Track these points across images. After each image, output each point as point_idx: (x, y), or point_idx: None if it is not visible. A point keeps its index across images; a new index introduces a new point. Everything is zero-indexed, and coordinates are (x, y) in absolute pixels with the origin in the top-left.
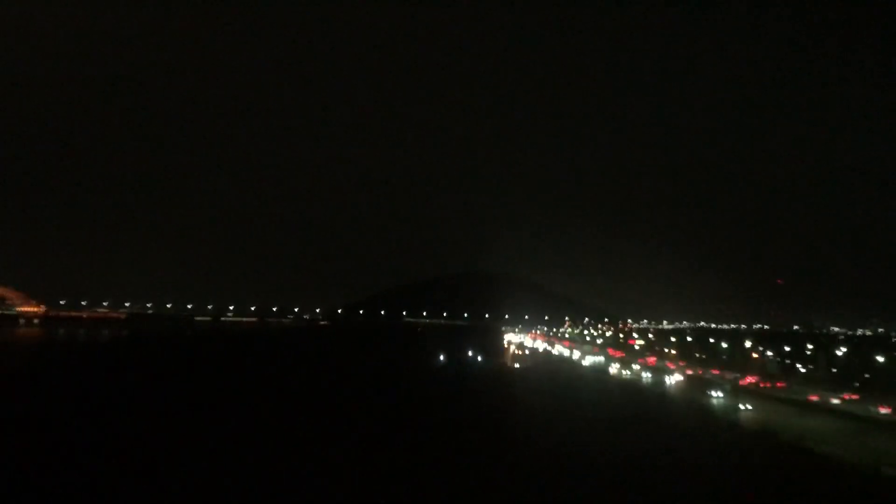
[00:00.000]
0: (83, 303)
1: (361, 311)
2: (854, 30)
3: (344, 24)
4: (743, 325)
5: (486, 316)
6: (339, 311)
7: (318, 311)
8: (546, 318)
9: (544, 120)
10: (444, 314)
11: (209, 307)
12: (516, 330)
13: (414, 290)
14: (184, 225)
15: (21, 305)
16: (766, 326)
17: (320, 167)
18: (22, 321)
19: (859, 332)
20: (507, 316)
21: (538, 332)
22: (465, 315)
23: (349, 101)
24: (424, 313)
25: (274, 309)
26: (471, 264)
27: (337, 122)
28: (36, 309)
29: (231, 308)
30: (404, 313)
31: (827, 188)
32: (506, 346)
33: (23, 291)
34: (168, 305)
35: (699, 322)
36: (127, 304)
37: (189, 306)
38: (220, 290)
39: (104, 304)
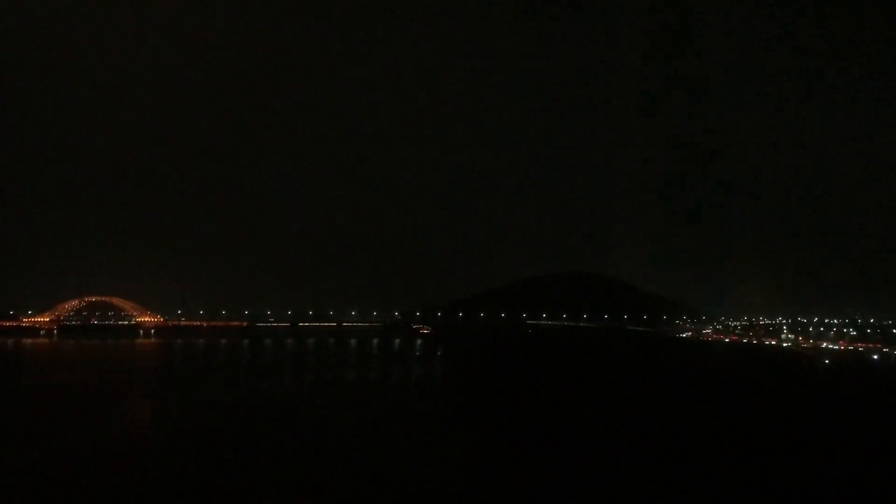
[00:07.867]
0: (201, 312)
1: (481, 314)
2: None
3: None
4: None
5: (605, 317)
6: (461, 314)
7: (374, 314)
8: (645, 318)
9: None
10: (565, 315)
11: (268, 313)
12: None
13: (502, 293)
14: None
15: (139, 316)
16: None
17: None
18: (141, 332)
19: None
20: (625, 316)
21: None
22: (584, 316)
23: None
24: (544, 315)
25: (331, 313)
26: (537, 266)
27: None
28: (154, 319)
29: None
30: (524, 315)
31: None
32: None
33: (136, 302)
34: (245, 312)
35: (755, 317)
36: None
37: (245, 312)
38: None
39: (223, 312)
